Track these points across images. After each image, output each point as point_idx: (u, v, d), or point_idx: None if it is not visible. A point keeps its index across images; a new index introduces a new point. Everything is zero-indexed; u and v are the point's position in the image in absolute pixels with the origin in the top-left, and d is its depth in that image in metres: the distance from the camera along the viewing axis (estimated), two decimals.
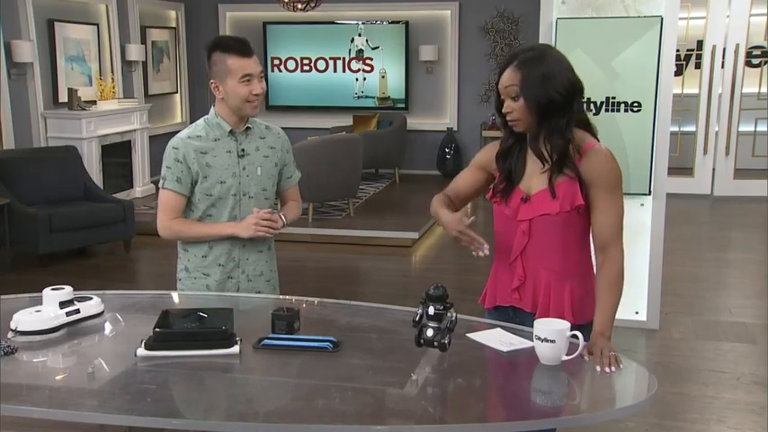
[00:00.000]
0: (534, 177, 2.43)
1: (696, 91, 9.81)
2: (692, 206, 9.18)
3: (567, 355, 2.17)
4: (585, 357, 2.19)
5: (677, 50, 9.59)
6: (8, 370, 2.16)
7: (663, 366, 4.58)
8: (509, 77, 2.37)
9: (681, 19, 9.43)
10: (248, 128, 2.93)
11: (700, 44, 9.82)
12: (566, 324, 2.19)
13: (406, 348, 2.24)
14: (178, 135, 2.93)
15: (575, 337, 2.18)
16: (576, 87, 2.39)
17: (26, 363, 2.24)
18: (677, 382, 4.40)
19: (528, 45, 2.52)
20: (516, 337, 2.35)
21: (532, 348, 2.20)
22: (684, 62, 9.97)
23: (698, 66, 9.91)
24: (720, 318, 5.42)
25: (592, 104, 4.69)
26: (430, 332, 2.20)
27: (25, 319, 2.31)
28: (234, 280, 2.96)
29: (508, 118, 2.40)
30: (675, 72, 9.68)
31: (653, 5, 4.75)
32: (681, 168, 9.81)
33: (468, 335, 2.35)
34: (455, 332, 2.24)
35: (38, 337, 2.30)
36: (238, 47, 2.80)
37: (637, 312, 5.01)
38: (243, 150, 2.91)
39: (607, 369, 2.13)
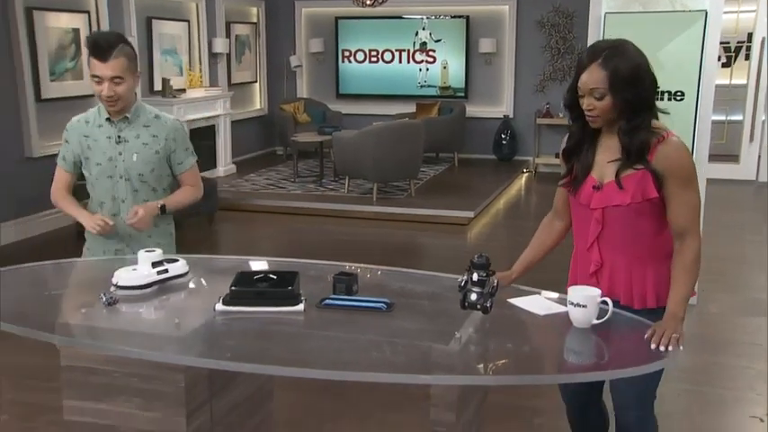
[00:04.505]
0: (606, 166, 2.33)
1: (744, 81, 9.55)
2: (737, 191, 8.96)
3: (598, 319, 2.18)
4: (647, 336, 2.11)
5: (728, 42, 9.43)
6: (111, 317, 2.30)
7: (698, 338, 4.54)
8: (595, 78, 2.22)
9: (731, 12, 9.21)
10: (126, 117, 2.96)
11: (750, 36, 9.53)
12: (596, 291, 2.21)
13: (451, 310, 2.27)
14: (73, 118, 3.07)
15: (604, 303, 2.21)
16: (655, 82, 2.29)
17: (125, 312, 2.36)
18: (712, 352, 4.36)
19: (606, 41, 2.36)
20: (553, 303, 2.37)
21: (566, 313, 2.22)
22: (734, 54, 9.68)
23: (747, 57, 9.63)
24: (759, 295, 5.31)
25: None
26: (474, 296, 2.22)
27: (124, 276, 2.45)
28: (121, 253, 3.03)
29: (589, 115, 2.28)
30: (725, 63, 9.54)
31: (698, 0, 4.67)
32: (727, 155, 9.58)
33: (509, 300, 2.37)
34: (497, 297, 2.25)
35: (134, 292, 2.43)
36: (95, 49, 2.83)
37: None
38: (120, 137, 2.96)
39: (662, 347, 2.06)
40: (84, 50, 7.32)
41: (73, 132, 3.03)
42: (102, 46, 2.83)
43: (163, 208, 2.99)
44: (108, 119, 2.97)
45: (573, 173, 2.43)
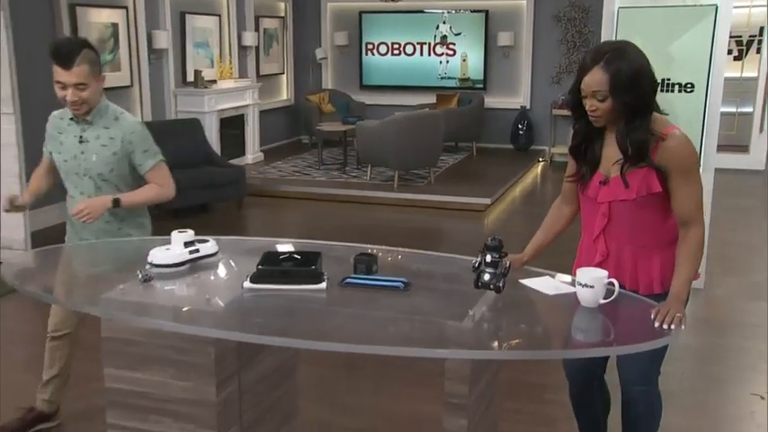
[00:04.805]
0: (612, 162, 2.33)
1: (755, 74, 9.42)
2: (746, 180, 8.87)
3: (605, 299, 2.19)
4: (652, 316, 2.12)
5: (740, 36, 9.29)
6: (146, 293, 2.35)
7: (704, 320, 4.54)
8: (597, 81, 2.20)
9: (743, 7, 9.07)
10: (87, 119, 2.92)
11: (761, 30, 9.38)
12: (604, 272, 2.22)
13: (466, 290, 2.27)
14: (54, 112, 3.05)
15: (611, 284, 2.21)
16: (655, 83, 2.27)
17: (159, 288, 2.39)
18: (717, 334, 4.36)
19: (608, 43, 2.35)
20: (562, 283, 2.38)
21: (575, 293, 2.22)
22: (746, 47, 9.55)
23: (759, 51, 9.49)
24: (764, 280, 5.29)
25: None
26: (487, 276, 2.23)
27: (159, 255, 2.48)
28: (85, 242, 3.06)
29: (592, 115, 2.27)
30: (736, 56, 9.40)
31: None
32: (737, 146, 9.49)
33: (520, 280, 2.38)
34: (509, 278, 2.26)
35: (168, 269, 2.46)
36: (58, 58, 2.78)
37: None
38: (82, 137, 2.93)
39: (665, 326, 2.06)
40: (123, 43, 7.43)
41: (51, 124, 3.04)
42: (64, 54, 2.78)
43: (116, 202, 2.93)
44: (72, 118, 2.96)
45: (580, 169, 2.43)
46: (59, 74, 2.80)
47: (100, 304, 2.32)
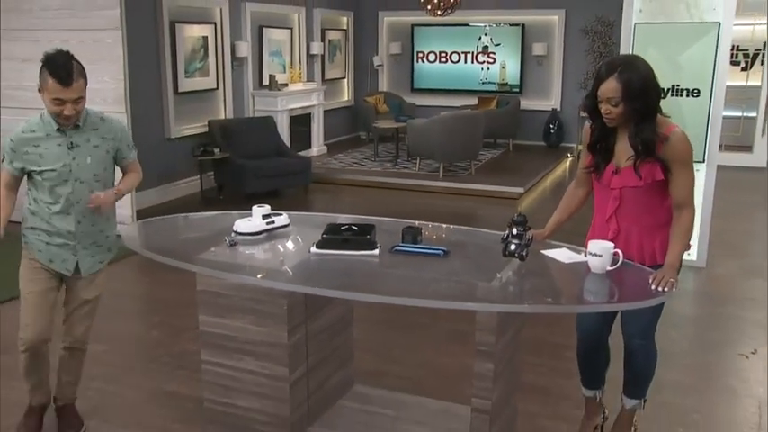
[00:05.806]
0: (623, 155, 2.39)
1: (759, 83, 9.17)
2: (750, 177, 8.61)
3: (611, 266, 2.25)
4: (650, 280, 2.20)
5: (747, 49, 9.03)
6: (232, 255, 2.49)
7: (705, 294, 4.52)
8: (611, 89, 2.27)
9: (748, 24, 8.84)
10: (77, 125, 2.61)
11: (765, 45, 9.11)
12: (611, 244, 2.29)
13: (495, 258, 2.33)
14: (15, 132, 2.64)
15: (616, 254, 2.27)
16: (660, 91, 2.34)
17: (242, 252, 2.52)
18: (715, 305, 4.33)
19: (621, 57, 2.43)
20: (575, 254, 2.44)
21: (586, 262, 2.29)
22: (751, 60, 9.29)
23: (763, 62, 9.22)
24: (762, 262, 5.20)
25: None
26: (513, 246, 2.29)
27: (242, 225, 2.61)
28: (67, 247, 2.71)
29: (607, 117, 2.34)
30: (743, 67, 9.13)
31: (713, 14, 4.60)
32: (742, 146, 9.24)
33: (541, 251, 2.45)
34: (532, 248, 2.33)
35: (249, 237, 2.58)
36: (59, 75, 2.46)
37: (688, 253, 4.91)
38: (72, 143, 2.61)
39: (660, 288, 2.15)
40: (211, 53, 7.66)
41: (20, 145, 2.61)
42: (63, 70, 2.47)
43: (117, 194, 2.74)
44: (58, 129, 2.60)
45: (596, 161, 2.49)
46: (58, 91, 2.48)
47: (196, 263, 2.46)
